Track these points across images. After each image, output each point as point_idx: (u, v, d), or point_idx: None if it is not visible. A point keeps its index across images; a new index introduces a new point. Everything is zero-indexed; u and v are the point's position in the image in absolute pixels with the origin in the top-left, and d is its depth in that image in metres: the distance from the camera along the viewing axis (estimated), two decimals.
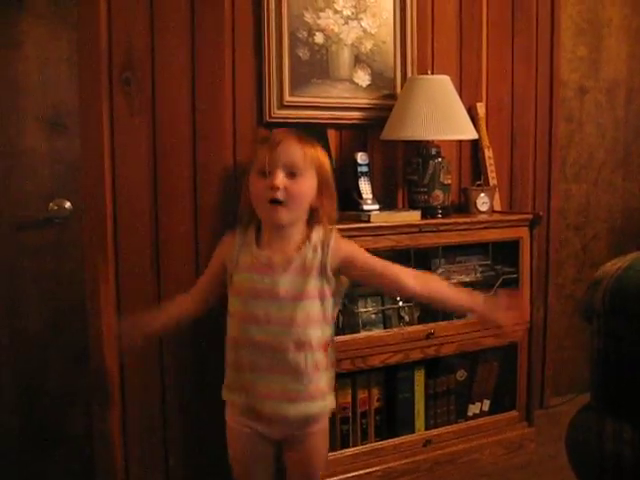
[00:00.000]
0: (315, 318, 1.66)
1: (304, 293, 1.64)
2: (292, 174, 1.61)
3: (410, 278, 1.72)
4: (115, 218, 2.29)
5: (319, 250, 1.66)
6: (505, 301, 1.72)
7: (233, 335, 1.71)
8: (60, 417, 2.26)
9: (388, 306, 2.54)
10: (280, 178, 1.60)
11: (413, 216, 2.49)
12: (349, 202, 2.47)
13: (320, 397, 1.70)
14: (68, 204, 2.20)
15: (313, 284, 1.65)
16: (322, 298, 1.67)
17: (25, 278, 2.17)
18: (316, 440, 1.74)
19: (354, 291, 2.46)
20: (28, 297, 2.18)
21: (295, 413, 1.67)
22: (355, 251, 1.74)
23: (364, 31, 2.66)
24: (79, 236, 2.23)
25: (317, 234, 1.69)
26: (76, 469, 2.29)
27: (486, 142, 2.92)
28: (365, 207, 2.44)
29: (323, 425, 1.76)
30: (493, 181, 2.92)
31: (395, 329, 2.50)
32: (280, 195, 1.60)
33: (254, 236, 1.71)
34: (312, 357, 1.65)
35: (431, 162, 2.59)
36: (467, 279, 2.68)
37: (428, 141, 2.60)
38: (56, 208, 2.18)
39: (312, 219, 1.70)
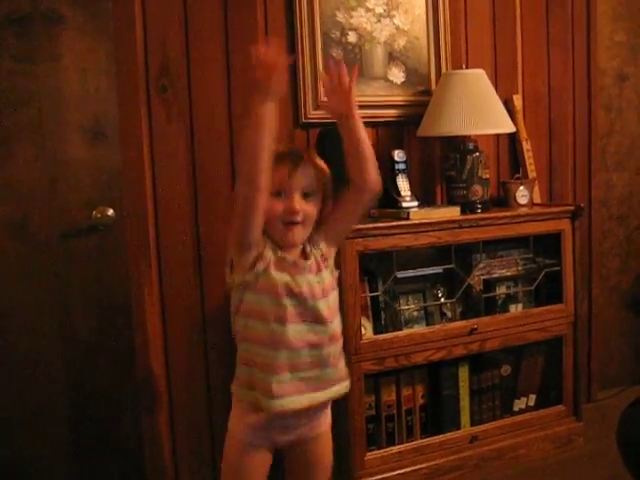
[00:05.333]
0: (336, 309, 1.71)
1: (326, 288, 1.67)
2: (306, 195, 1.65)
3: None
4: (157, 224, 2.33)
5: (314, 248, 1.69)
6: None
7: (260, 335, 1.63)
8: (109, 420, 2.30)
9: (430, 303, 2.53)
10: (299, 201, 1.63)
11: (452, 212, 2.48)
12: (388, 200, 2.47)
13: (345, 378, 1.73)
14: (111, 211, 2.23)
15: (328, 277, 1.69)
16: (335, 288, 1.72)
17: (71, 285, 2.22)
18: (323, 445, 1.75)
19: (396, 289, 2.47)
20: (75, 304, 2.23)
21: (324, 398, 1.68)
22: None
23: (397, 28, 2.65)
24: (122, 242, 2.27)
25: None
26: (127, 471, 2.33)
27: (524, 134, 2.89)
28: (404, 204, 2.44)
29: (328, 427, 1.76)
30: (532, 174, 2.89)
31: (437, 325, 2.49)
32: (299, 218, 1.63)
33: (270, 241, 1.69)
34: (339, 347, 1.71)
35: (469, 157, 2.57)
36: (509, 273, 2.66)
37: (465, 136, 2.58)
38: (99, 216, 2.22)
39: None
